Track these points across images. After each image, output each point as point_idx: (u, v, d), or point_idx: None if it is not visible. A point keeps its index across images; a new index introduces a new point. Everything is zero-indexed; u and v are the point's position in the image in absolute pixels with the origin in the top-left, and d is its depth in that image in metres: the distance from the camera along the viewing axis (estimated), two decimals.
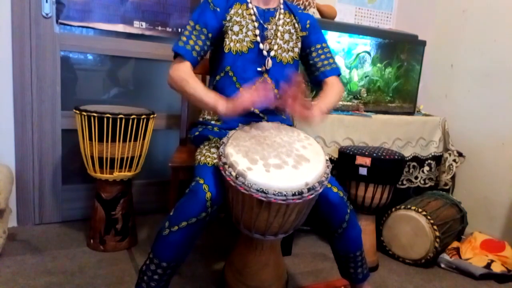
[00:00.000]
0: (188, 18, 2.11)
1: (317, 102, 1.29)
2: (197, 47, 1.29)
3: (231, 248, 1.37)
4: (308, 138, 1.20)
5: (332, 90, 1.38)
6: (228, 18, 1.34)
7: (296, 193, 0.98)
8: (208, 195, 1.07)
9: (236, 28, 1.34)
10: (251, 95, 1.11)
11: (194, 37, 1.30)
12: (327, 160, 1.12)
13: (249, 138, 1.13)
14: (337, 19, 2.16)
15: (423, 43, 2.18)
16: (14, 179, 1.78)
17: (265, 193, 0.97)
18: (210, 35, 1.32)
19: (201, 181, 1.09)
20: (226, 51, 1.34)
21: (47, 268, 1.54)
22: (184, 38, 1.29)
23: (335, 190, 1.20)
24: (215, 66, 1.42)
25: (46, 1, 1.78)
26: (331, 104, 1.31)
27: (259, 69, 1.37)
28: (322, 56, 1.45)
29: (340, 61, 2.02)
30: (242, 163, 1.02)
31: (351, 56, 2.07)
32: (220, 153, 1.08)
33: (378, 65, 2.13)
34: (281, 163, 1.04)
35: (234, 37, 1.34)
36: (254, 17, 1.36)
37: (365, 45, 2.09)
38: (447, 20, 2.42)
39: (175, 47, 1.28)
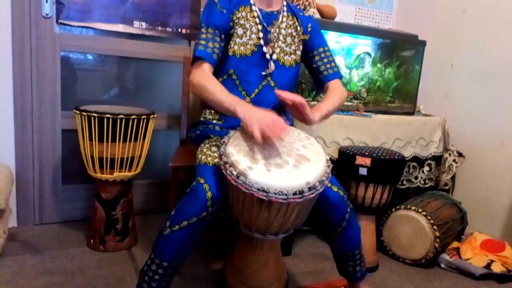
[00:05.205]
0: (188, 18, 2.11)
1: (317, 104, 1.30)
2: (216, 50, 1.29)
3: (231, 248, 1.37)
4: (308, 138, 1.20)
5: (335, 94, 1.39)
6: (235, 20, 1.34)
7: (297, 192, 0.98)
8: (209, 194, 1.07)
9: (240, 31, 1.34)
10: (261, 124, 1.04)
11: (211, 40, 1.30)
12: (327, 159, 1.12)
13: (250, 137, 1.13)
14: (337, 19, 2.17)
15: (423, 43, 2.18)
16: (14, 179, 1.78)
17: (266, 192, 0.97)
18: (222, 36, 1.32)
19: (202, 181, 1.09)
20: (230, 54, 1.34)
21: (47, 268, 1.53)
22: (203, 42, 1.28)
23: (335, 189, 1.20)
24: (218, 68, 1.40)
25: (46, 1, 1.78)
26: (332, 108, 1.33)
27: (263, 73, 1.37)
28: (325, 60, 1.47)
29: (340, 61, 2.02)
30: (243, 162, 1.02)
31: (351, 56, 2.07)
32: (221, 153, 1.08)
33: (378, 65, 2.13)
34: (281, 162, 1.04)
35: (238, 40, 1.34)
36: (257, 20, 1.36)
37: (365, 45, 2.09)
38: (447, 20, 2.42)
39: (197, 52, 1.27)
